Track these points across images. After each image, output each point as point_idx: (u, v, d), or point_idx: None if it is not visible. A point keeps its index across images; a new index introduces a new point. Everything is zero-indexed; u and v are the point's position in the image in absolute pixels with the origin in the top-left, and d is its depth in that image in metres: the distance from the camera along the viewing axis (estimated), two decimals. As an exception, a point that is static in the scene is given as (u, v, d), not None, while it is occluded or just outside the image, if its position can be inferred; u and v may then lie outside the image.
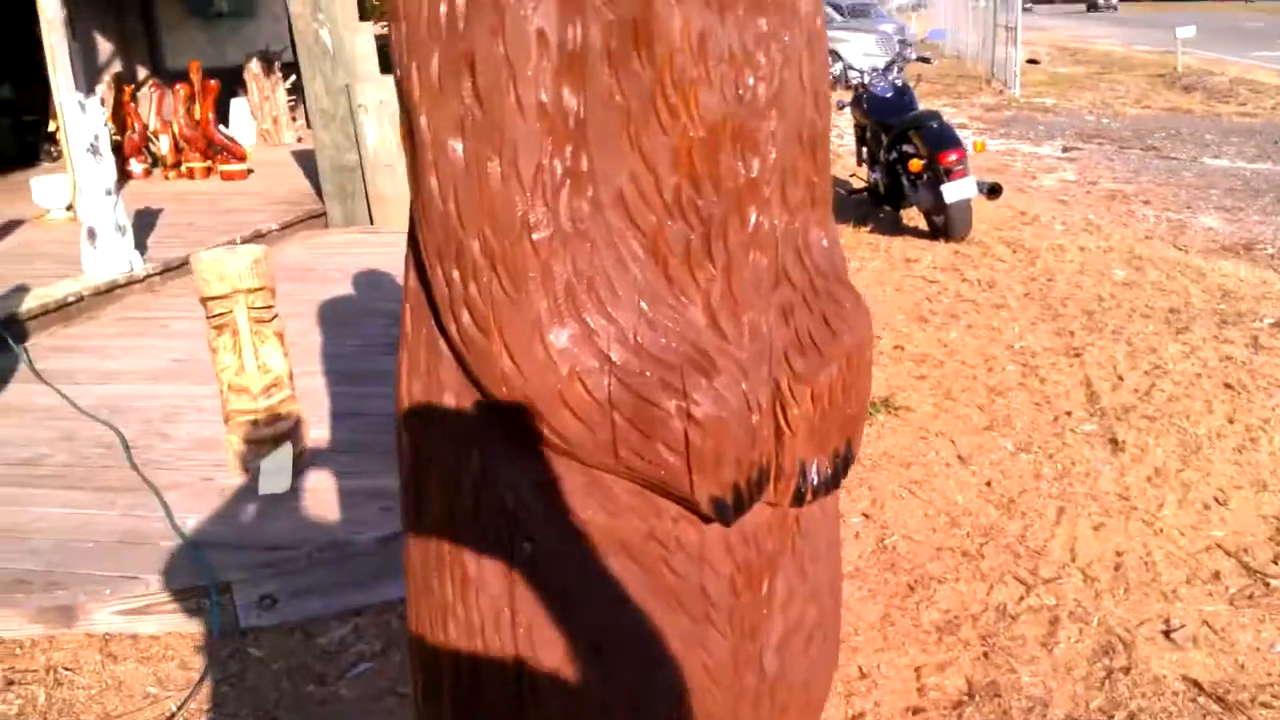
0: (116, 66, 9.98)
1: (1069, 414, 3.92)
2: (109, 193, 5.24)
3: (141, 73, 10.22)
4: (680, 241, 0.93)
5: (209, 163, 8.71)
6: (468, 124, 0.84)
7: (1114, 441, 3.66)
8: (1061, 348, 4.63)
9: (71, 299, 4.97)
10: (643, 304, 0.90)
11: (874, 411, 3.94)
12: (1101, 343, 4.66)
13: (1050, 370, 4.36)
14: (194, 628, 2.65)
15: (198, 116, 8.62)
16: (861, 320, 1.03)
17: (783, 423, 0.98)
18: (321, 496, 3.04)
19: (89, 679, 2.50)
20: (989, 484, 3.40)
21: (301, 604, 2.70)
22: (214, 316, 3.08)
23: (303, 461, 3.21)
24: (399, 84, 0.89)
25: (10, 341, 4.45)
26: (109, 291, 5.23)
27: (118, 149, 8.86)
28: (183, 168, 8.74)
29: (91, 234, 5.29)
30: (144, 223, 6.66)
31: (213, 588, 2.63)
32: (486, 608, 0.96)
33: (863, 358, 1.02)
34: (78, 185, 5.41)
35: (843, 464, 1.03)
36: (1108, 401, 4.01)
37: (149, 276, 5.50)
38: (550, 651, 0.97)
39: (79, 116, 5.16)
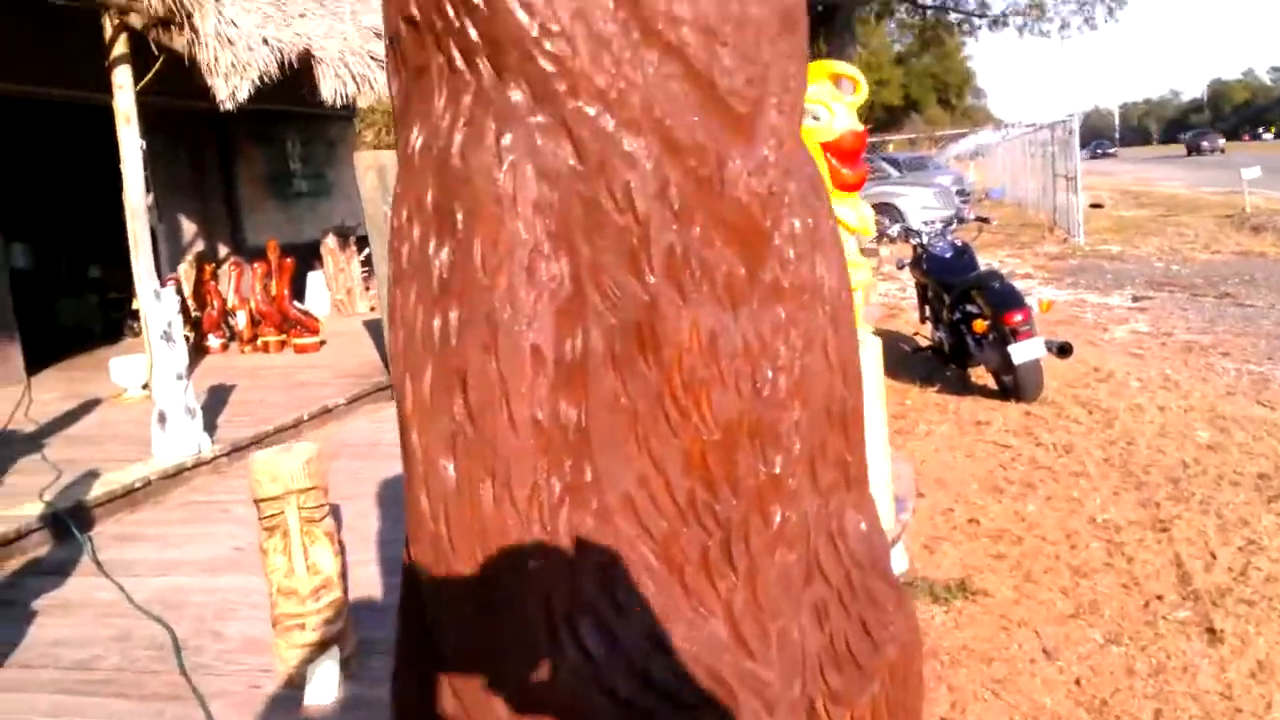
0: (199, 246, 10.44)
1: (1160, 598, 3.68)
2: (180, 377, 5.37)
3: (223, 250, 10.66)
4: (696, 548, 0.85)
5: (283, 336, 8.95)
6: (459, 442, 0.78)
7: (1211, 631, 3.41)
8: (1147, 520, 4.40)
9: (139, 485, 5.03)
10: (654, 624, 0.81)
11: (950, 597, 3.74)
12: (1189, 514, 4.41)
13: (1137, 547, 4.13)
14: None
15: (274, 292, 8.91)
16: (905, 625, 0.93)
17: (821, 749, 0.87)
18: (366, 709, 2.93)
19: None
20: (1078, 682, 3.16)
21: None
22: (265, 518, 3.05)
23: (350, 667, 3.12)
24: (395, 393, 0.84)
25: (76, 531, 4.48)
26: (176, 475, 5.30)
27: (198, 324, 9.20)
28: (258, 341, 8.99)
29: (162, 418, 5.39)
30: (217, 400, 6.81)
31: (251, 813, 2.51)
32: None
33: (909, 669, 0.91)
34: (153, 368, 5.55)
35: (893, 787, 0.92)
36: (1201, 583, 3.76)
37: (216, 458, 5.57)
38: None
39: (154, 304, 5.34)
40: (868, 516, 0.99)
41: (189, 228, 10.44)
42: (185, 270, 9.61)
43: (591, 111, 0.78)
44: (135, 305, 8.92)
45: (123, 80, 6.78)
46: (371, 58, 8.85)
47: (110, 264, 10.34)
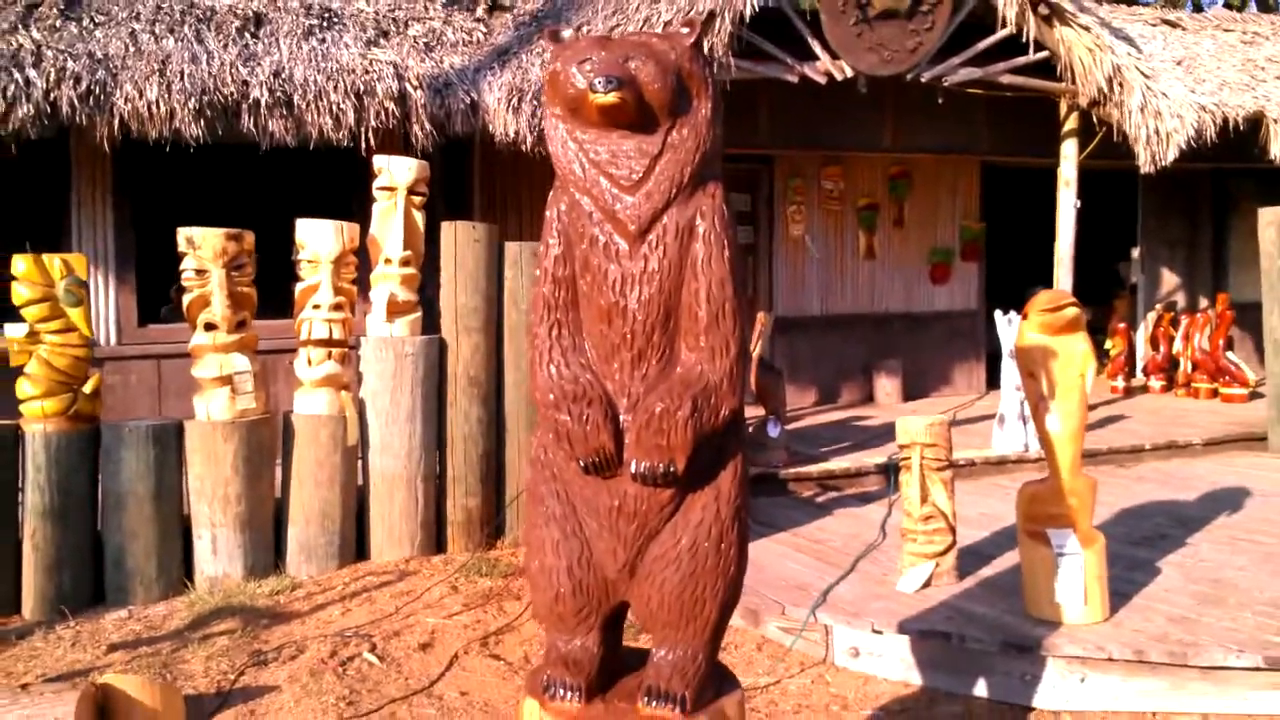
0: (1178, 297, 11.17)
1: None
2: (1018, 389, 6.70)
3: (1204, 304, 11.17)
4: (608, 353, 2.23)
5: (1215, 385, 9.31)
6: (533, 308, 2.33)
7: None
8: None
9: (964, 463, 6.52)
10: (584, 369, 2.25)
11: None
12: None
13: None
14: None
15: (1208, 346, 9.34)
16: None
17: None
18: (936, 604, 4.10)
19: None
20: None
21: (884, 661, 3.86)
22: (903, 460, 4.39)
23: (938, 580, 4.27)
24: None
25: (890, 479, 6.23)
26: (999, 464, 6.68)
27: (1147, 366, 10.11)
28: (1191, 386, 9.51)
29: (1001, 419, 6.83)
30: (1105, 422, 7.85)
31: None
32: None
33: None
34: (1002, 379, 6.97)
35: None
36: None
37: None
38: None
39: (1005, 328, 6.76)
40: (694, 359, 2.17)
41: (1170, 280, 11.24)
42: (1152, 317, 10.50)
43: (573, 189, 2.24)
44: (1107, 345, 10.27)
45: (1069, 151, 8.29)
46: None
47: (1098, 306, 11.79)
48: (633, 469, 2.16)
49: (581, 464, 2.18)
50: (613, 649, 2.33)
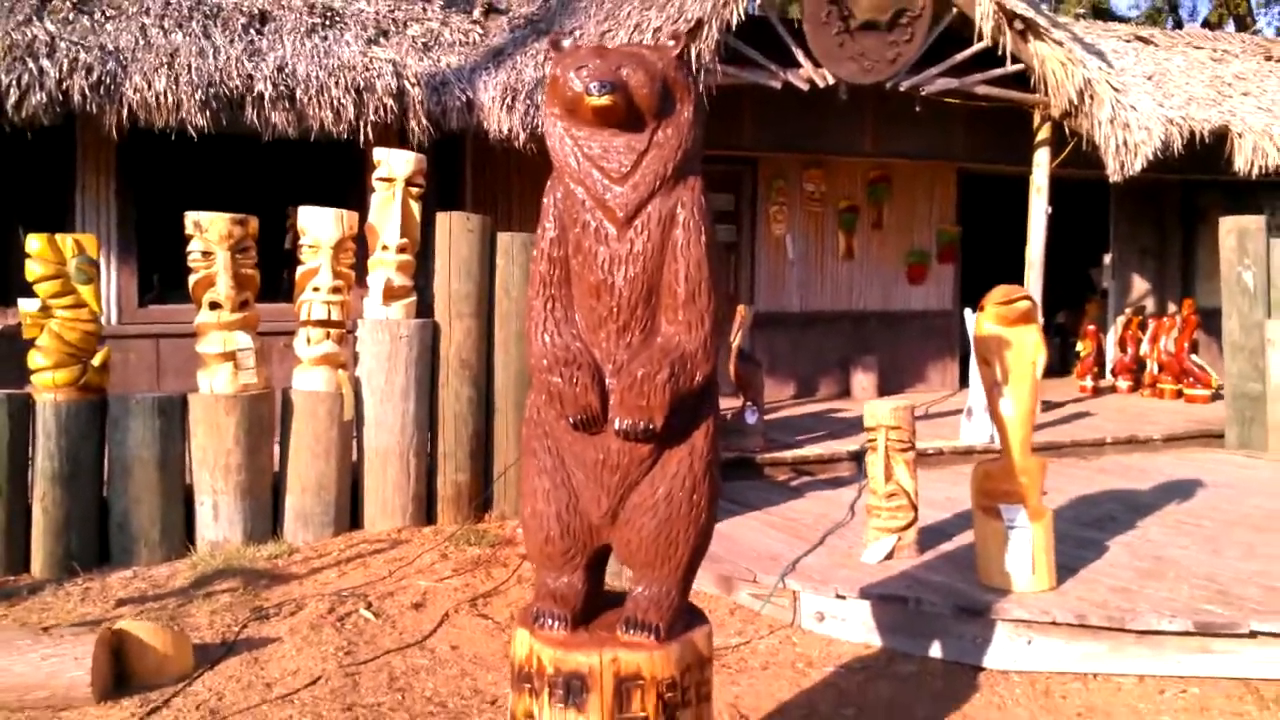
0: (1147, 302, 11.53)
1: None
2: (986, 383, 7.01)
3: (1171, 309, 11.54)
4: (596, 324, 2.51)
5: (1179, 386, 9.66)
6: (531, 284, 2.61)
7: None
8: None
9: (933, 452, 6.85)
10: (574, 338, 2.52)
11: None
12: None
13: None
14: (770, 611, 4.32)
15: (1173, 348, 9.69)
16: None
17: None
18: (897, 573, 4.39)
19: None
20: None
21: (847, 625, 4.15)
22: (869, 441, 4.69)
23: (899, 553, 4.57)
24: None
25: (859, 463, 6.53)
26: (966, 453, 6.98)
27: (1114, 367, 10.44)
28: (1156, 387, 9.86)
29: (969, 412, 7.14)
30: (1057, 416, 8.17)
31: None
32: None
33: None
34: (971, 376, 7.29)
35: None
36: None
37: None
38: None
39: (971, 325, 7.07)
40: (674, 331, 2.45)
41: (1140, 286, 11.60)
42: (1121, 320, 10.85)
43: (568, 179, 2.53)
44: (1079, 348, 10.62)
45: (1041, 159, 8.62)
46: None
47: (1074, 310, 12.17)
48: (616, 426, 2.44)
49: (571, 421, 2.46)
50: (596, 587, 2.62)
